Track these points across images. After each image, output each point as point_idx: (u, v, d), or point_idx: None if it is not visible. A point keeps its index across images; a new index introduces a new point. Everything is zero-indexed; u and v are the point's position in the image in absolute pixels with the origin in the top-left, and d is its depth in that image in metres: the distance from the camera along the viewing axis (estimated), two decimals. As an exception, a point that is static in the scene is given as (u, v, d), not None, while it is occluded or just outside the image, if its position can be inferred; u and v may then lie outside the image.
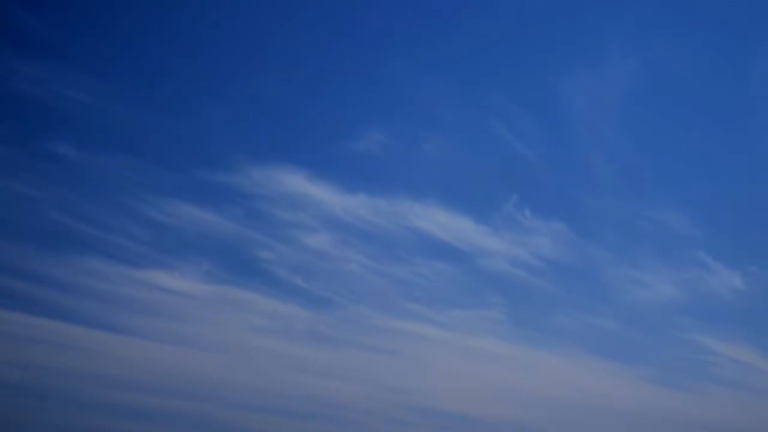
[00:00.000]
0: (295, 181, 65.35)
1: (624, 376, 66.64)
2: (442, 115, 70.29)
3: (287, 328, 63.79)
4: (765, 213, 72.21)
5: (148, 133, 64.88)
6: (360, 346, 64.18)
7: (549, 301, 68.62)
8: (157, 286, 62.44)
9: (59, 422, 56.76)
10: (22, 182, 60.77)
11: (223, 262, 64.30)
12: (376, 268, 66.06)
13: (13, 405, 55.30)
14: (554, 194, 71.08)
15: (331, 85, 69.49)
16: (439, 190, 68.73)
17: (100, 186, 63.28)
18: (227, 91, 67.03)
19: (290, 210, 65.38)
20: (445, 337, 65.49)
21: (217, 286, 63.25)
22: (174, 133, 65.70)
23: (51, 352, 59.01)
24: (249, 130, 67.71)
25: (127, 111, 64.26)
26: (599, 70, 71.99)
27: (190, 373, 61.36)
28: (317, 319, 64.07)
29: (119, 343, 60.90)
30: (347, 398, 62.91)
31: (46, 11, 62.81)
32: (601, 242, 70.60)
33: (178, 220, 63.46)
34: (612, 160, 72.16)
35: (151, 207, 63.12)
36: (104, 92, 63.69)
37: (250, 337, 63.10)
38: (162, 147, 65.30)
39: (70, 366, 59.18)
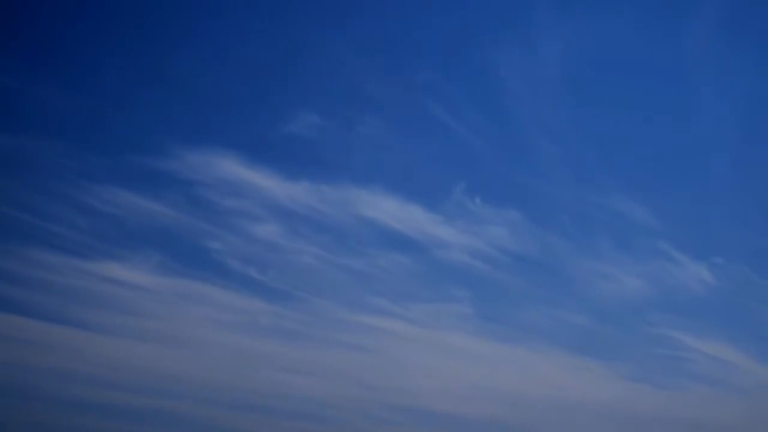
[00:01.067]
0: (231, 167, 63.78)
1: (603, 374, 65.58)
2: (375, 95, 67.89)
3: (253, 323, 62.74)
4: (724, 200, 71.37)
5: (81, 118, 63.25)
6: (330, 343, 63.23)
7: (515, 295, 67.43)
8: (110, 279, 60.89)
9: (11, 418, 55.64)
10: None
11: (174, 253, 62.70)
12: (332, 260, 64.99)
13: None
14: (502, 181, 69.64)
15: (259, 67, 67.42)
16: (383, 176, 67.01)
17: (36, 173, 61.56)
18: (159, 76, 65.13)
19: (232, 197, 63.86)
20: (414, 332, 64.44)
21: (172, 278, 61.89)
22: (107, 118, 64.02)
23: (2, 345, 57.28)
24: (181, 115, 65.74)
25: (59, 96, 62.49)
26: (531, 46, 70.58)
27: (157, 369, 60.23)
28: (282, 314, 63.02)
29: (78, 337, 59.76)
30: (325, 396, 62.04)
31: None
32: (559, 232, 69.29)
33: (118, 209, 61.99)
34: (555, 142, 70.61)
35: (90, 194, 61.50)
36: (37, 78, 62.24)
37: (215, 332, 61.92)
38: (95, 132, 63.88)
39: (25, 360, 57.91)
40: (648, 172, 72.32)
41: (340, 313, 63.56)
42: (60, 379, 58.00)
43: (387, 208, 65.66)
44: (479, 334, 65.43)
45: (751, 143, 71.82)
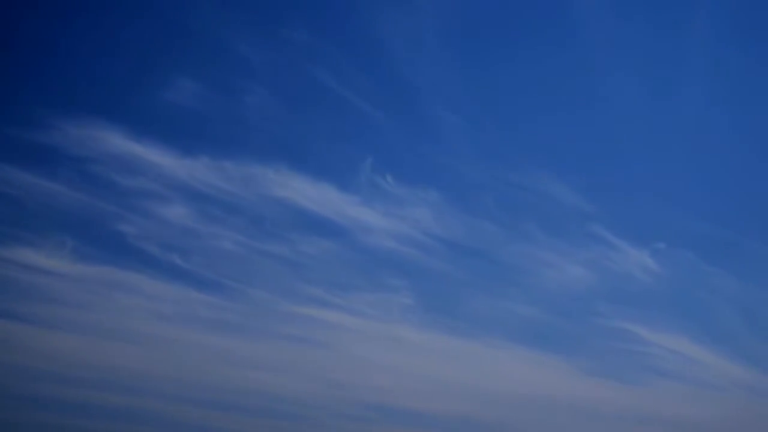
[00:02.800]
0: (118, 141, 59.58)
1: (566, 370, 62.57)
2: (252, 59, 63.54)
3: (191, 315, 59.59)
4: (658, 182, 68.64)
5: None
6: (277, 336, 60.27)
7: (455, 285, 63.99)
8: (26, 266, 57.04)
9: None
10: None
11: (86, 238, 58.85)
12: (253, 246, 61.55)
13: None
14: (410, 156, 66.09)
15: (131, 31, 62.61)
16: (284, 152, 63.43)
17: None
18: (26, 43, 60.68)
19: (130, 175, 59.97)
20: (361, 325, 61.43)
21: (91, 265, 58.28)
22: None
23: None
24: (53, 85, 61.23)
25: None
26: (409, 5, 66.63)
27: (98, 362, 56.91)
28: (220, 305, 59.87)
29: (4, 328, 55.98)
30: (287, 392, 59.32)
31: None
32: (484, 215, 65.60)
33: (11, 188, 57.78)
34: (455, 113, 66.55)
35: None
36: None
37: (153, 324, 58.70)
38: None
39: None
40: (569, 150, 68.63)
41: (279, 305, 60.79)
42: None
43: (297, 188, 62.34)
44: (427, 326, 62.59)
45: (680, 118, 69.43)
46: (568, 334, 64.25)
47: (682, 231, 66.52)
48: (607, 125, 68.18)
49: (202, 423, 57.20)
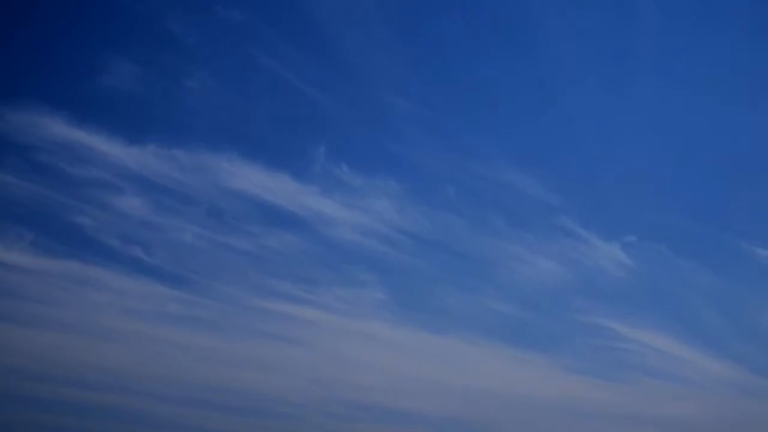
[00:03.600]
0: (59, 127, 57.40)
1: (547, 367, 61.76)
2: (190, 42, 61.10)
3: (161, 311, 58.11)
4: (625, 174, 67.27)
5: None
6: (251, 332, 59.01)
7: (427, 280, 62.75)
8: None
9: None
10: None
11: (45, 231, 57.15)
12: (215, 239, 60.28)
13: None
14: (365, 145, 64.56)
15: (64, 13, 60.30)
16: (234, 139, 61.59)
17: None
18: None
19: (79, 164, 57.97)
20: (334, 321, 60.40)
21: (53, 259, 56.79)
22: None
23: None
24: None
25: None
26: None
27: (66, 360, 55.59)
28: (190, 301, 58.61)
29: None
30: (271, 391, 58.51)
31: None
32: (447, 207, 64.23)
33: None
34: (410, 100, 64.72)
35: None
36: None
37: (124, 320, 57.35)
38: None
39: None
40: (531, 141, 67.02)
41: (250, 301, 59.53)
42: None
43: (252, 178, 60.84)
44: (403, 323, 61.40)
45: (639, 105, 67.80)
46: (547, 331, 63.37)
47: (653, 224, 65.62)
48: (568, 116, 66.78)
49: (186, 422, 56.35)
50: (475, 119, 66.20)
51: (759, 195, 65.00)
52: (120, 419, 54.87)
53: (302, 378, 58.81)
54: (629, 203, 66.28)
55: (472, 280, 63.41)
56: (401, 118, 64.26)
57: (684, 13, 66.06)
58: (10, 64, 58.58)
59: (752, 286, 64.40)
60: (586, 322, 62.95)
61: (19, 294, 55.58)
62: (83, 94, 59.09)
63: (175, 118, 60.96)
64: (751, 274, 64.07)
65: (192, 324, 57.73)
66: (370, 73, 64.03)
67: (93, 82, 59.15)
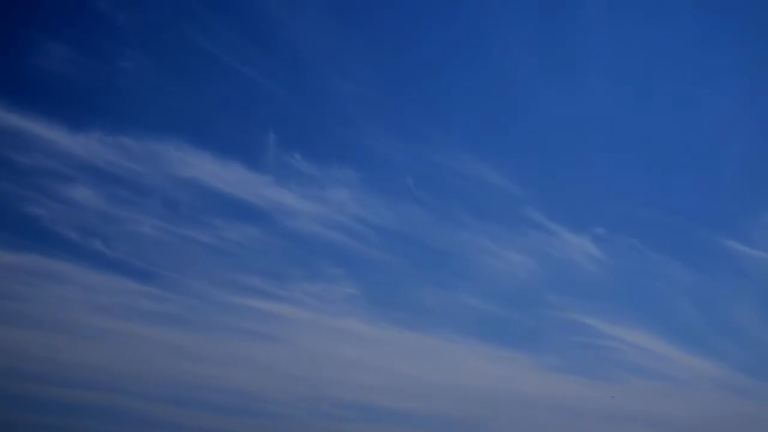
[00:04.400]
0: None
1: (531, 366, 60.40)
2: (120, 20, 59.38)
3: (133, 307, 56.65)
4: (590, 165, 66.12)
5: None
6: (225, 329, 57.74)
7: (397, 274, 61.72)
8: None
9: None
10: None
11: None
12: (175, 231, 58.92)
13: None
14: (316, 132, 63.05)
15: None
16: (179, 125, 60.04)
17: None
18: None
19: (24, 153, 56.37)
20: (308, 317, 59.12)
21: (14, 253, 54.97)
22: None
23: None
24: None
25: None
26: None
27: (36, 355, 53.69)
28: (160, 296, 57.14)
29: None
30: (258, 389, 57.26)
31: None
32: (409, 199, 62.98)
33: None
34: (356, 84, 63.07)
35: None
36: None
37: (96, 317, 55.67)
38: None
39: None
40: (490, 130, 65.82)
41: (219, 296, 58.26)
42: None
43: (204, 167, 59.36)
44: (378, 320, 60.18)
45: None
46: (527, 329, 61.81)
47: (621, 216, 64.58)
48: (525, 105, 65.70)
49: (171, 420, 54.96)
50: (429, 107, 65.00)
51: (727, 187, 64.49)
52: (99, 418, 53.32)
53: (285, 376, 57.61)
54: (596, 195, 65.23)
55: (444, 275, 62.25)
56: (350, 103, 62.79)
57: (632, 11, 65.87)
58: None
59: (727, 281, 63.70)
60: (564, 319, 61.60)
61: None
62: (18, 77, 57.41)
63: (115, 103, 59.37)
64: (725, 268, 63.28)
65: (165, 321, 56.32)
66: (314, 57, 62.70)
67: (26, 64, 57.43)
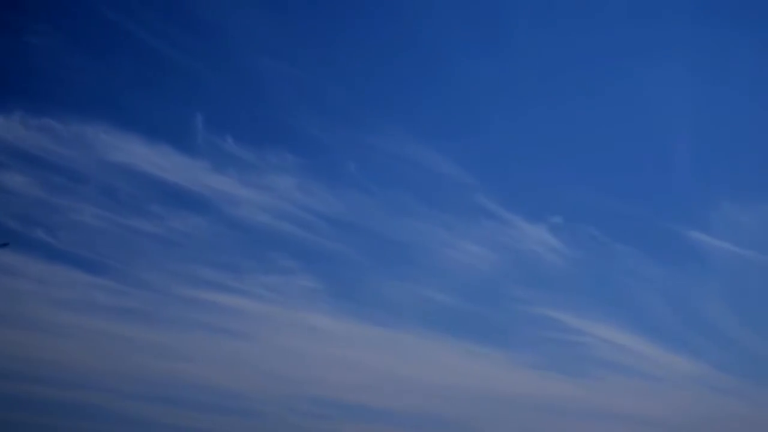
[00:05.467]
0: None
1: (506, 363, 59.06)
2: None
3: (90, 301, 55.09)
4: (541, 152, 64.62)
5: None
6: (186, 323, 56.43)
7: (356, 267, 60.20)
8: None
9: None
10: None
11: None
12: (118, 221, 57.37)
13: None
14: (245, 115, 61.22)
15: None
16: (104, 107, 58.08)
17: None
18: None
19: None
20: (270, 311, 57.93)
21: None
22: None
23: None
24: None
25: None
26: None
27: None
28: (115, 289, 55.66)
29: None
30: (232, 386, 55.99)
31: None
32: (353, 185, 61.28)
33: None
34: (285, 63, 60.79)
35: None
36: None
37: (54, 312, 54.11)
38: None
39: None
40: (432, 114, 63.74)
41: (177, 289, 56.94)
42: None
43: (135, 151, 57.55)
44: (345, 315, 58.86)
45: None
46: (496, 324, 60.30)
47: (578, 205, 62.88)
48: (467, 89, 63.34)
49: (146, 417, 53.62)
50: (364, 90, 63.01)
51: (683, 175, 63.53)
52: (68, 414, 51.84)
53: (260, 373, 56.60)
54: (549, 183, 63.64)
55: (404, 268, 60.78)
56: (280, 84, 60.80)
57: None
58: None
59: (695, 275, 62.46)
60: (532, 314, 60.33)
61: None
62: None
63: (32, 82, 57.41)
64: (691, 260, 62.06)
65: (127, 316, 55.03)
66: (238, 35, 60.50)
67: None
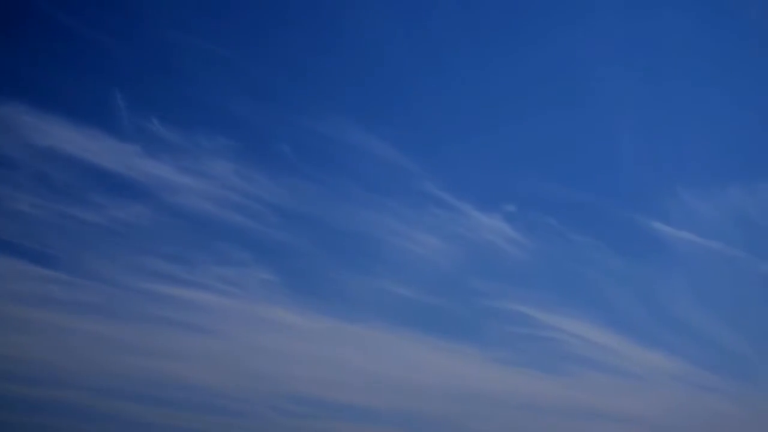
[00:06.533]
0: None
1: (477, 358, 57.61)
2: None
3: (43, 294, 53.41)
4: (479, 131, 62.15)
5: None
6: (147, 318, 54.78)
7: (311, 259, 58.43)
8: None
9: None
10: None
11: None
12: (57, 209, 54.59)
13: None
14: (169, 94, 58.15)
15: None
16: (21, 88, 54.49)
17: None
18: None
19: None
20: (230, 305, 56.36)
21: None
22: None
23: None
24: None
25: None
26: None
27: None
28: (69, 282, 53.85)
29: None
30: (210, 383, 54.84)
31: None
32: (292, 170, 58.59)
33: None
34: (203, 39, 57.45)
35: None
36: None
37: (9, 305, 52.65)
38: None
39: None
40: (369, 97, 61.26)
41: (131, 282, 55.22)
42: None
43: (61, 134, 54.65)
44: (308, 310, 57.20)
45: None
46: (464, 319, 58.61)
47: (531, 193, 61.07)
48: (399, 69, 61.11)
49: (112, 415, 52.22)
50: (293, 69, 60.03)
51: (636, 161, 62.31)
52: (34, 411, 50.60)
53: (227, 369, 55.16)
54: (499, 170, 61.53)
55: (361, 260, 58.89)
56: (201, 62, 57.50)
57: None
58: None
59: (659, 267, 61.05)
60: (499, 309, 58.62)
61: None
62: None
63: None
64: (654, 252, 60.71)
65: (85, 310, 53.10)
66: (153, 9, 57.28)
67: None
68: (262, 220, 57.56)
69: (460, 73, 61.85)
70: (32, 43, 55.91)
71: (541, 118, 61.84)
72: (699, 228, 59.72)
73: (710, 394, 57.02)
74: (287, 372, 55.72)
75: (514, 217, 59.50)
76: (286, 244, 58.01)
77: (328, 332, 56.92)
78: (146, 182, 56.50)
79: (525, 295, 58.95)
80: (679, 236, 59.81)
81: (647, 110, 62.29)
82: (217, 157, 57.37)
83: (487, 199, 59.96)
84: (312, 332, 56.74)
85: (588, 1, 61.97)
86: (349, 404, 55.53)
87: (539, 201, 60.52)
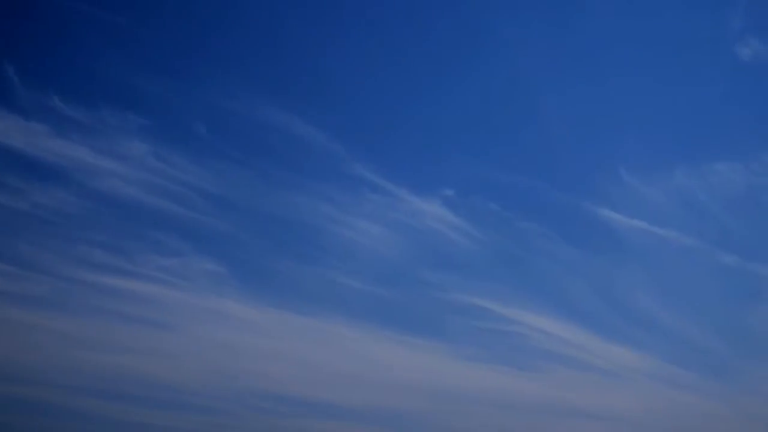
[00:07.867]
0: None
1: (443, 354, 55.31)
2: None
3: None
4: (415, 114, 59.60)
5: None
6: (96, 311, 52.07)
7: (255, 250, 55.62)
8: None
9: None
10: None
11: None
12: None
13: None
14: (60, 65, 53.97)
15: None
16: None
17: None
18: None
19: None
20: (181, 298, 54.00)
21: None
22: None
23: None
24: None
25: None
26: None
27: None
28: (10, 273, 50.70)
29: None
30: (170, 380, 52.38)
31: None
32: (219, 155, 55.58)
33: None
34: (97, 7, 53.69)
35: None
36: None
37: None
38: None
39: None
40: (288, 76, 58.03)
41: (72, 273, 52.34)
42: None
43: None
44: (260, 303, 54.88)
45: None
46: (419, 313, 56.31)
47: (469, 176, 58.53)
48: (324, 48, 58.35)
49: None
50: (206, 44, 56.58)
51: (571, 141, 59.74)
52: None
53: (186, 364, 53.23)
54: (434, 153, 59.09)
55: (303, 249, 56.02)
56: (98, 33, 53.66)
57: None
58: None
59: (612, 257, 58.53)
60: (453, 301, 56.24)
61: None
62: None
63: None
64: (605, 240, 58.33)
65: (32, 303, 50.83)
66: None
67: None
68: (192, 206, 54.57)
69: (384, 53, 59.10)
70: None
71: (472, 98, 59.39)
72: (649, 215, 57.80)
73: (679, 390, 55.12)
74: (245, 367, 53.60)
75: (453, 202, 57.32)
76: (223, 232, 55.35)
77: (284, 326, 54.82)
78: (62, 164, 52.70)
79: (480, 287, 56.37)
80: (630, 224, 57.72)
81: (585, 90, 59.82)
82: (130, 138, 53.86)
83: (423, 184, 57.75)
84: (267, 326, 54.69)
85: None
86: (313, 400, 53.39)
87: (477, 185, 57.98)
